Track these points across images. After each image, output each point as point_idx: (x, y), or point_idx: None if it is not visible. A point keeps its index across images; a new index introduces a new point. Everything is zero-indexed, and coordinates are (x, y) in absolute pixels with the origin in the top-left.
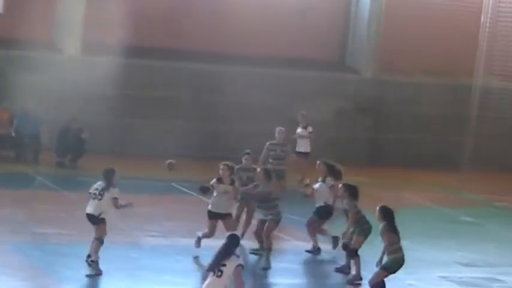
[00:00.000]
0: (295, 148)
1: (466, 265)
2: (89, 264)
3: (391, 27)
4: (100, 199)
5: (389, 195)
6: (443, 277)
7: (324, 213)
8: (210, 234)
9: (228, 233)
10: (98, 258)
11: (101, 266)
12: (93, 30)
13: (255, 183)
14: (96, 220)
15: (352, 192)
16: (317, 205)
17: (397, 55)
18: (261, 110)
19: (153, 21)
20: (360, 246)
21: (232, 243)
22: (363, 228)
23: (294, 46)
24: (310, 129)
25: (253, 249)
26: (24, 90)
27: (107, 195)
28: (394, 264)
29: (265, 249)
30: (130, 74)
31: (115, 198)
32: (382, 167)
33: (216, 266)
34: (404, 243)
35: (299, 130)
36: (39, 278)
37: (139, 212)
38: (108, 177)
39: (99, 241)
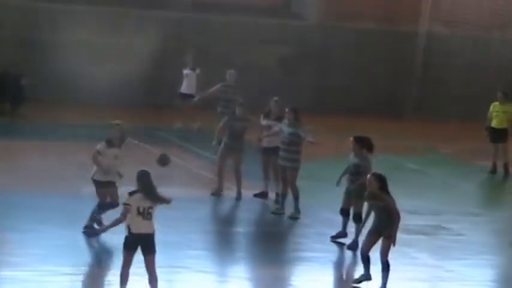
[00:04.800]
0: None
1: (412, 213)
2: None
3: None
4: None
5: (332, 143)
6: None
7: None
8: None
9: None
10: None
11: (46, 215)
12: None
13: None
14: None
15: (368, 144)
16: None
17: (343, 0)
18: (200, 56)
19: None
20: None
21: (150, 179)
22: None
23: None
24: (198, 71)
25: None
26: None
27: None
28: None
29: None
30: (66, 18)
31: None
32: (325, 114)
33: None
34: None
35: (186, 71)
36: None
37: (79, 161)
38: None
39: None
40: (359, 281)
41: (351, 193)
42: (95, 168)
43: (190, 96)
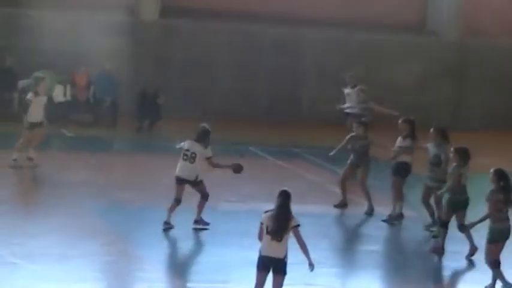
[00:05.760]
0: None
1: None
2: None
3: None
4: (193, 162)
5: (473, 159)
6: None
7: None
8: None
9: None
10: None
11: (178, 231)
12: None
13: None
14: (194, 183)
15: (462, 154)
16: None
17: (480, 17)
18: (338, 74)
19: None
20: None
21: (289, 200)
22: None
23: (372, 9)
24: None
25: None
26: (102, 55)
27: (199, 157)
28: (498, 234)
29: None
30: (206, 38)
31: (209, 158)
32: (462, 131)
33: (282, 232)
34: None
35: (347, 91)
36: (118, 243)
37: (216, 176)
38: (204, 137)
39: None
40: None
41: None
42: (179, 165)
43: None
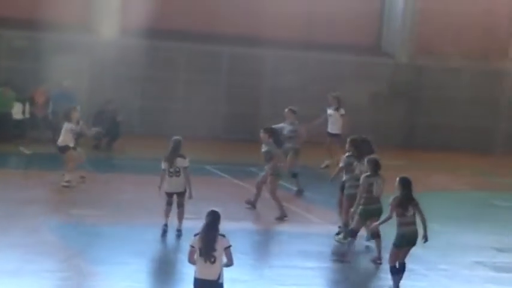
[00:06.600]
0: (326, 128)
1: (501, 250)
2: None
3: (427, 11)
4: (179, 176)
5: (423, 178)
6: (477, 262)
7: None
8: None
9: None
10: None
11: (137, 248)
12: (129, 14)
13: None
14: (181, 194)
15: (372, 164)
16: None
17: (433, 39)
18: (296, 94)
19: (190, 5)
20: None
21: (216, 221)
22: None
23: (329, 31)
24: (342, 111)
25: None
26: (61, 73)
27: (183, 169)
28: (401, 238)
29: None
30: (166, 57)
31: (186, 168)
32: (416, 150)
33: (211, 252)
34: (437, 227)
35: (329, 111)
36: (74, 259)
37: None
38: (180, 148)
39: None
40: None
41: None
42: (167, 182)
43: (335, 135)
